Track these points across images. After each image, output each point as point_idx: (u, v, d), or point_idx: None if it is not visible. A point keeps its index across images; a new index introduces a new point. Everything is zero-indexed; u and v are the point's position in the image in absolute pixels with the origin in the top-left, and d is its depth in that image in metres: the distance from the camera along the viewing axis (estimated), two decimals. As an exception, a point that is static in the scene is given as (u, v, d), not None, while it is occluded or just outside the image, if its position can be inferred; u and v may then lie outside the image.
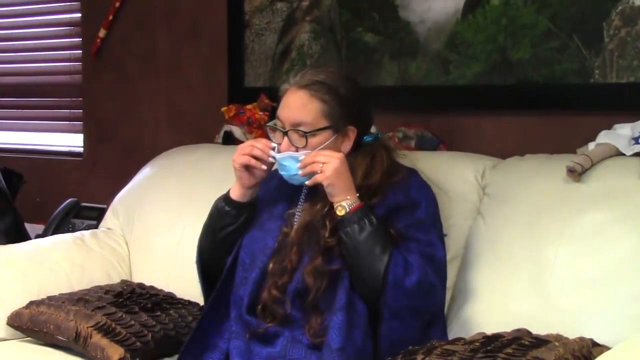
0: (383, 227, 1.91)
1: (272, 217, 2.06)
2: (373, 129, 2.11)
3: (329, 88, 1.97)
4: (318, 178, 1.92)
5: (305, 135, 1.96)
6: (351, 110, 1.99)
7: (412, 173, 2.05)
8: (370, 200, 1.95)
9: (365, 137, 2.03)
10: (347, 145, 2.01)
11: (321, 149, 1.96)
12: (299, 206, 2.02)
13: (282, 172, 1.99)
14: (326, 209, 1.96)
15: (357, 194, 1.92)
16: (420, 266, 1.88)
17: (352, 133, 2.00)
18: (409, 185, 2.00)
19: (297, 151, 1.97)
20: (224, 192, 2.18)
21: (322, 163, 1.91)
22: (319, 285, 1.91)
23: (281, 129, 1.99)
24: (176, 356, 2.14)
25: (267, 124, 2.09)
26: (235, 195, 2.07)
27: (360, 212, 1.90)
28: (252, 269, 2.01)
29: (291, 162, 1.96)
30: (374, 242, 1.88)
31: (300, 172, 1.95)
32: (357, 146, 2.02)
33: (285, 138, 1.98)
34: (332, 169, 1.90)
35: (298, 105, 1.97)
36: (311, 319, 1.92)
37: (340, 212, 1.91)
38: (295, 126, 1.97)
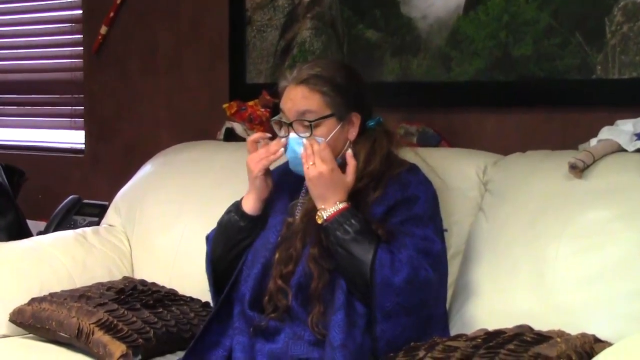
0: (367, 228, 1.90)
1: (274, 213, 2.07)
2: None
3: (326, 80, 1.98)
4: (304, 169, 1.94)
5: (310, 124, 1.96)
6: (351, 97, 2.01)
7: (414, 169, 2.04)
8: (374, 194, 1.96)
9: (368, 122, 2.04)
10: (353, 132, 2.02)
11: (329, 140, 1.97)
12: (301, 196, 2.03)
13: (289, 155, 1.99)
14: None
15: (340, 200, 1.91)
16: (410, 262, 1.87)
17: (356, 119, 2.02)
18: (409, 181, 1.99)
19: None
20: (225, 189, 2.17)
21: (313, 161, 1.92)
22: (320, 271, 1.91)
23: (286, 121, 2.00)
24: (178, 352, 2.15)
25: (272, 119, 2.09)
26: (249, 209, 2.06)
27: (340, 218, 1.90)
28: (254, 265, 2.02)
29: (301, 147, 1.97)
30: (357, 246, 1.88)
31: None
32: (363, 131, 2.03)
33: (292, 130, 1.99)
34: (316, 172, 1.91)
35: (300, 97, 1.98)
36: (314, 309, 1.92)
37: (318, 220, 1.93)
38: (301, 116, 1.98)
